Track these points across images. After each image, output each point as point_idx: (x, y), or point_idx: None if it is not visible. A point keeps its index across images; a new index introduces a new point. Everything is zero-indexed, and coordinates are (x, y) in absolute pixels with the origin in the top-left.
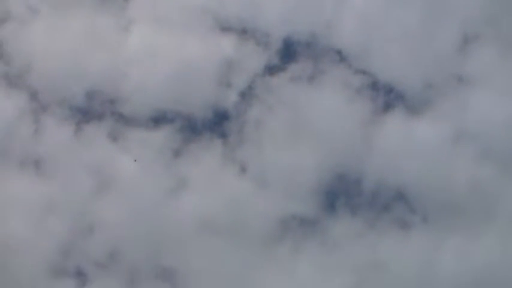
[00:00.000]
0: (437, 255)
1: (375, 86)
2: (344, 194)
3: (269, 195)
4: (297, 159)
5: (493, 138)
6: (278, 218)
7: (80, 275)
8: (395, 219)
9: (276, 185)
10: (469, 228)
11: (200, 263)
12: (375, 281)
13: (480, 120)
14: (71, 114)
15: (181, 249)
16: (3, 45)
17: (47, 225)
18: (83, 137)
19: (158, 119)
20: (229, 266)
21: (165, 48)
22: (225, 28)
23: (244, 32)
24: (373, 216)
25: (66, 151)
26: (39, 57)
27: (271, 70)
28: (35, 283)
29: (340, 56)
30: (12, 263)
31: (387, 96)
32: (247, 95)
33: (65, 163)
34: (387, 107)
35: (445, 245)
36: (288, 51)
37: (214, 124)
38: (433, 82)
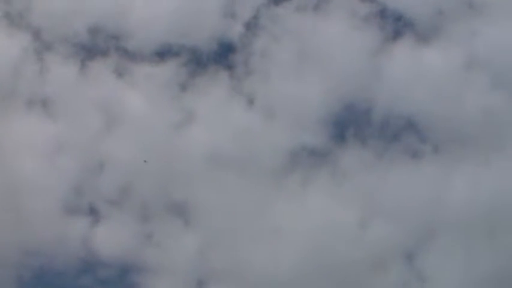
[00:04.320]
0: (448, 185)
1: (382, 13)
2: (353, 124)
3: (278, 127)
4: (304, 89)
5: (505, 66)
6: (287, 149)
7: (93, 212)
8: (406, 149)
9: (285, 116)
10: (480, 157)
11: (211, 196)
12: (385, 211)
13: (491, 47)
14: (75, 51)
15: (191, 183)
16: None
17: (57, 164)
18: (89, 74)
19: (163, 53)
20: (240, 199)
21: None
22: None
23: None
24: (383, 146)
25: (72, 89)
26: None
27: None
28: (50, 222)
29: None
30: (26, 203)
31: (396, 24)
32: (252, 25)
33: (72, 101)
34: (396, 35)
35: (456, 174)
36: None
37: (220, 56)
38: (443, 8)
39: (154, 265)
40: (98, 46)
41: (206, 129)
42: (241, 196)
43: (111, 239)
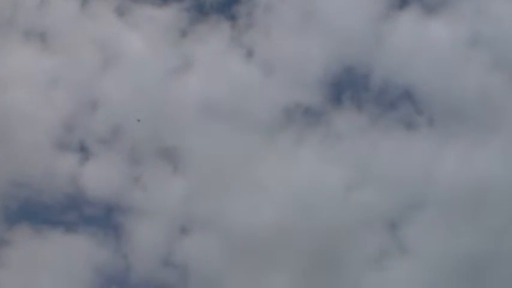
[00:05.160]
0: (439, 160)
1: None
2: (351, 88)
3: (274, 82)
4: (305, 48)
5: (508, 46)
6: (282, 106)
7: (83, 149)
8: (401, 118)
9: (282, 72)
10: (475, 135)
11: (202, 144)
12: (373, 178)
13: (497, 25)
14: None
15: (183, 130)
16: None
17: (51, 98)
18: (90, 11)
19: None
20: (230, 150)
21: None
22: None
23: None
24: (378, 113)
25: (71, 24)
26: None
27: None
28: (39, 155)
29: None
30: (17, 135)
31: None
32: None
33: (70, 37)
34: (403, 3)
35: (449, 150)
36: None
37: (224, 6)
38: None
39: (139, 207)
40: None
41: (202, 78)
42: (231, 148)
43: (99, 177)
